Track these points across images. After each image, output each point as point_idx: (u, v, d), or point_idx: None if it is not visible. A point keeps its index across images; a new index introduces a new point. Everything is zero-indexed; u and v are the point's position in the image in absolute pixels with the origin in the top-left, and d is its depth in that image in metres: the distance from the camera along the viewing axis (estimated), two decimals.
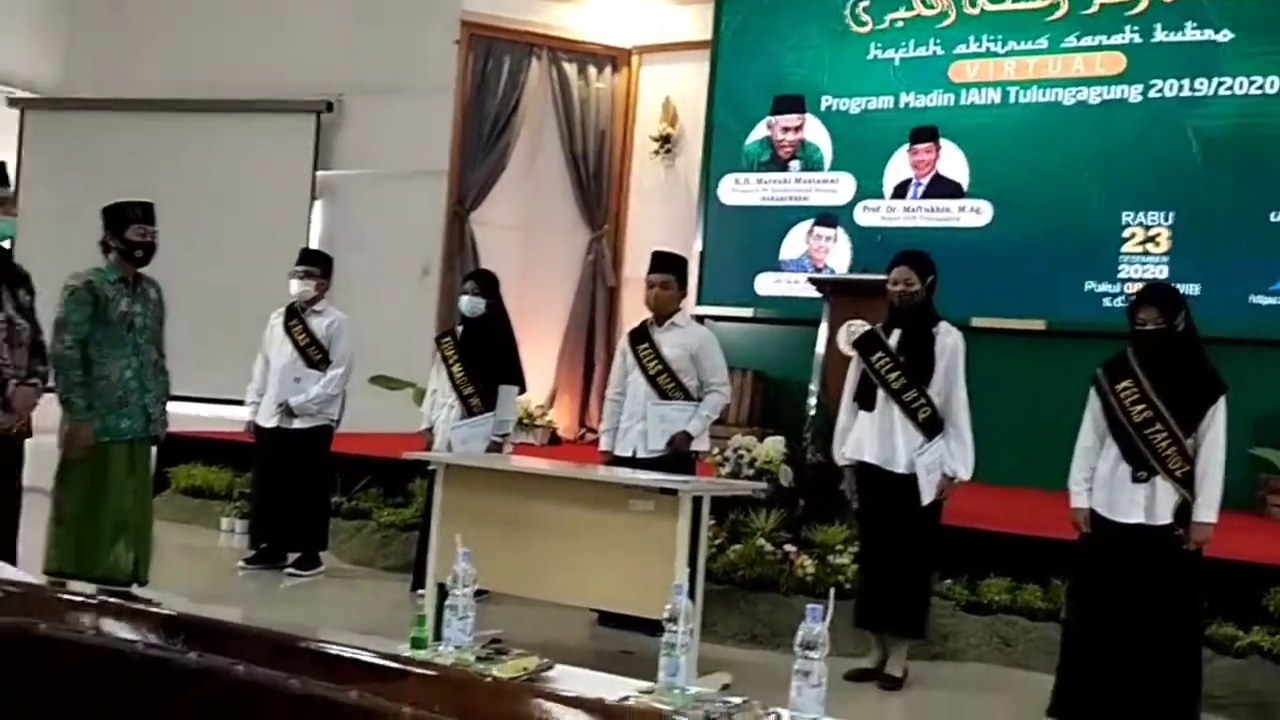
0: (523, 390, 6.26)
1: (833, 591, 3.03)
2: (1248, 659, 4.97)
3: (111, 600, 1.21)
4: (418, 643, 2.70)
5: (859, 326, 5.98)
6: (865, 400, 4.89)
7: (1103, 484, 4.22)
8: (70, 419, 5.07)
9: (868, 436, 4.86)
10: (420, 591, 5.47)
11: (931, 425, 4.75)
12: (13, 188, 4.79)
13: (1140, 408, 4.14)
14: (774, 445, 6.30)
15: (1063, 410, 7.43)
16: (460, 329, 6.11)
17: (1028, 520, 6.11)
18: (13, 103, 11.16)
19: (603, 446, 5.66)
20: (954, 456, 4.75)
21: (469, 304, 5.98)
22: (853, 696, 4.60)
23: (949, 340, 4.82)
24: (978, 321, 7.37)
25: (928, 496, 4.73)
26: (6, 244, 4.79)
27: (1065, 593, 4.77)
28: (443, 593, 4.02)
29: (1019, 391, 7.71)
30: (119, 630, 1.14)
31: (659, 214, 9.83)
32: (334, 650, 1.09)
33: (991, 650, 5.38)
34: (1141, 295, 4.31)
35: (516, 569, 4.71)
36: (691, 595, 3.54)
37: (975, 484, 5.04)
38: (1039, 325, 8.05)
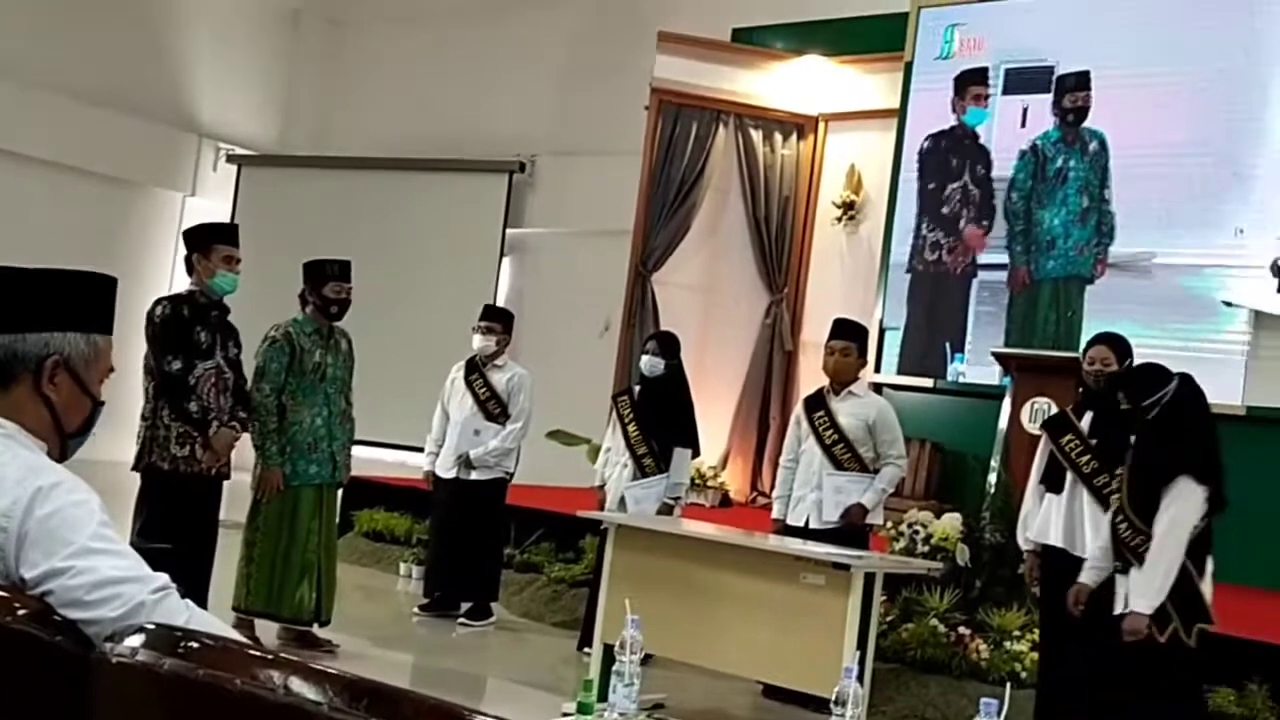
0: (697, 454, 6.27)
1: (1009, 685, 2.91)
2: None
3: (300, 660, 1.26)
4: (584, 708, 2.72)
5: (1044, 404, 5.80)
6: (1053, 483, 4.73)
7: None
8: (263, 464, 5.34)
9: (1054, 520, 4.69)
10: (587, 649, 5.51)
11: None
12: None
13: None
14: (951, 522, 6.13)
15: (1269, 499, 7.09)
16: (638, 388, 6.17)
17: (1224, 618, 5.75)
18: (231, 159, 11.91)
19: (775, 514, 5.61)
20: None
21: (649, 364, 6.04)
22: None
23: None
24: None
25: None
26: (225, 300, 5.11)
27: None
28: (609, 654, 4.04)
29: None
30: (307, 691, 1.18)
31: (839, 281, 9.76)
32: None
33: None
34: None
35: (683, 634, 4.70)
36: (860, 674, 3.45)
37: None
38: (1239, 410, 7.62)
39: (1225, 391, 7.61)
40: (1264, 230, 7.71)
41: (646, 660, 4.74)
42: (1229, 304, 7.79)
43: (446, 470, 6.64)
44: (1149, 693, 4.12)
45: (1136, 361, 4.64)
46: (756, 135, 9.92)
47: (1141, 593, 4.01)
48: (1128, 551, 4.08)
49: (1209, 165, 7.96)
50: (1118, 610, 4.13)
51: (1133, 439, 4.26)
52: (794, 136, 10.02)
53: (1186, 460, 4.08)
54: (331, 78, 12.36)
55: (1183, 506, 4.01)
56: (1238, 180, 7.84)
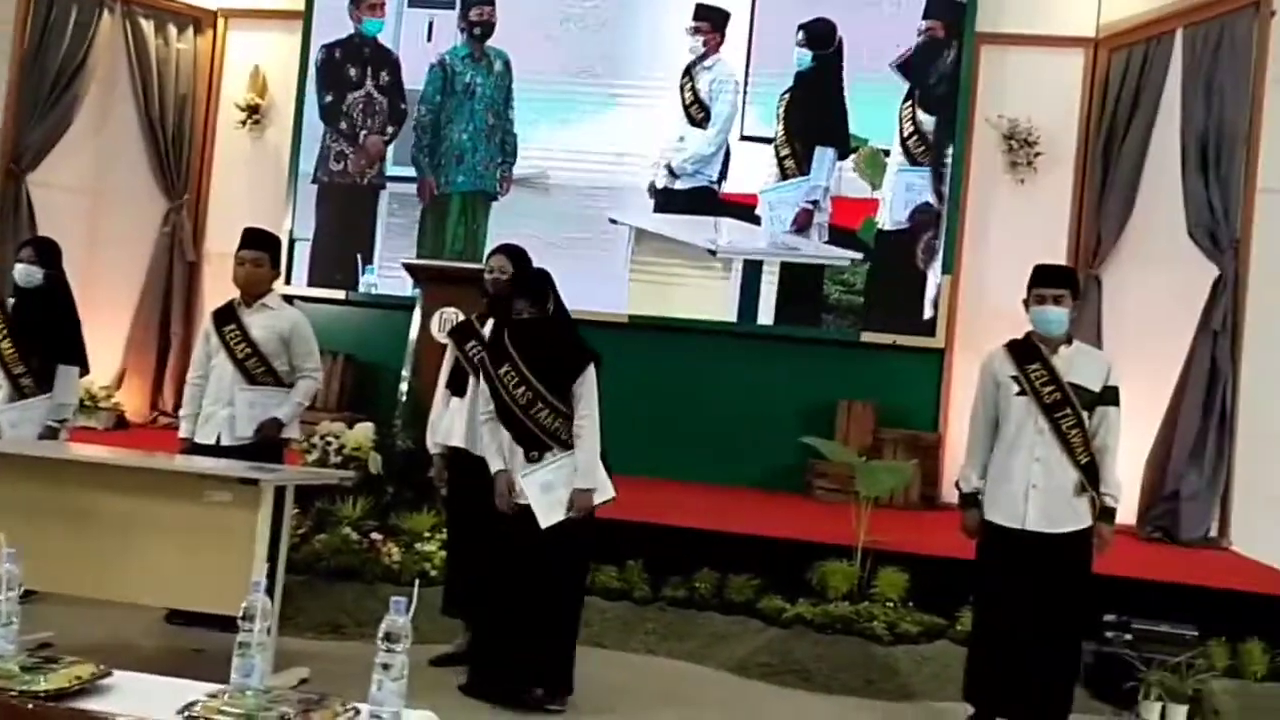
0: (85, 371, 5.74)
1: (418, 581, 3.00)
2: (792, 629, 5.45)
3: None
4: None
5: (452, 314, 6.00)
6: (457, 387, 4.93)
7: None
8: None
9: (458, 423, 4.89)
10: None
11: None
12: None
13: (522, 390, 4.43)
14: (363, 432, 6.19)
15: (650, 397, 7.91)
16: (12, 301, 5.53)
17: (618, 506, 6.36)
18: None
19: (182, 434, 5.28)
20: None
21: (24, 273, 5.42)
22: (438, 682, 4.59)
23: None
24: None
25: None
26: None
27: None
28: None
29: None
30: None
31: (245, 188, 9.35)
32: None
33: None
34: None
35: (75, 567, 4.32)
36: (271, 590, 3.38)
37: None
38: (623, 319, 8.40)
39: (612, 301, 8.37)
40: (643, 153, 8.52)
41: (33, 597, 4.31)
42: (614, 221, 8.53)
43: None
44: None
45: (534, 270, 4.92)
46: (147, 26, 9.16)
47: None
48: (547, 436, 4.44)
49: (595, 91, 8.61)
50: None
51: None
52: (190, 30, 9.39)
53: (592, 352, 4.54)
54: None
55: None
56: (618, 106, 8.56)
